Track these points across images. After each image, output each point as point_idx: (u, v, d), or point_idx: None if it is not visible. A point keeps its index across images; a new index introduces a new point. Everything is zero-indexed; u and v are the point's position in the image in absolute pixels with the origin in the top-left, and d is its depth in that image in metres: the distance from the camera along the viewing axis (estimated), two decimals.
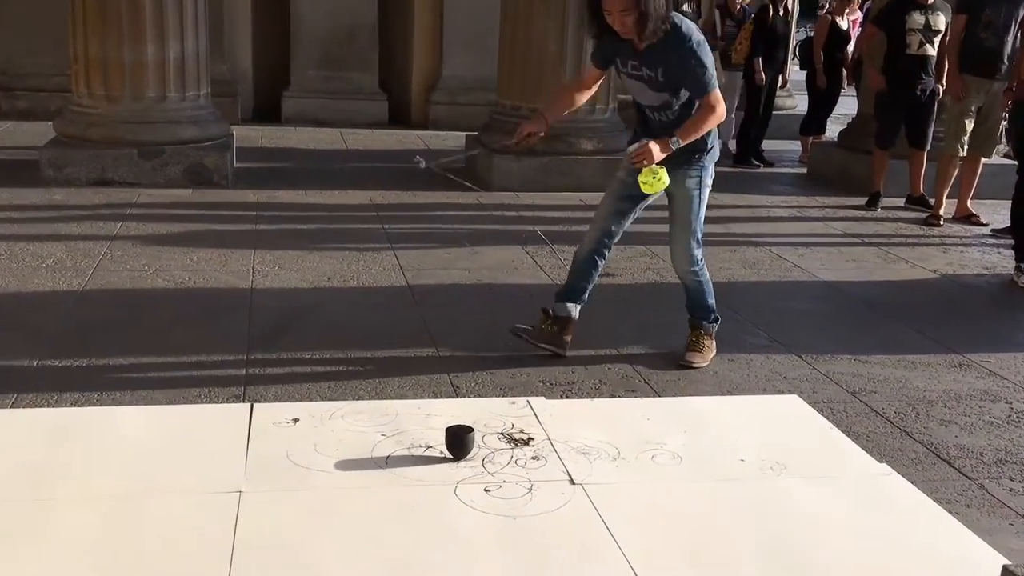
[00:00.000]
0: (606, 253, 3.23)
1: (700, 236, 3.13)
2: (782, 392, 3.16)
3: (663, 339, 3.55)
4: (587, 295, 3.29)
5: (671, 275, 3.58)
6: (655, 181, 2.85)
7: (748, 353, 3.50)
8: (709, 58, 2.88)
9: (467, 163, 5.89)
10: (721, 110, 2.86)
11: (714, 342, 3.35)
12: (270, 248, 4.77)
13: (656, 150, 2.83)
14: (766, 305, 4.09)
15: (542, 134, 3.00)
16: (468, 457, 2.45)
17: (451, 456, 2.44)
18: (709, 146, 3.01)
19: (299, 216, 5.05)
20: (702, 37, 2.88)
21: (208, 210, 5.09)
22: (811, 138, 7.80)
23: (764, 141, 7.48)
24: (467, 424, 2.50)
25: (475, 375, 3.15)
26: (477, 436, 2.51)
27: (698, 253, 3.17)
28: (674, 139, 2.87)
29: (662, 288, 4.10)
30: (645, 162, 2.84)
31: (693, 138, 2.89)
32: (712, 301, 3.30)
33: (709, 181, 3.07)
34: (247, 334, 3.42)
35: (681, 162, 2.97)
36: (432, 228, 4.99)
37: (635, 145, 2.89)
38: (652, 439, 2.64)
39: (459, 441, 2.44)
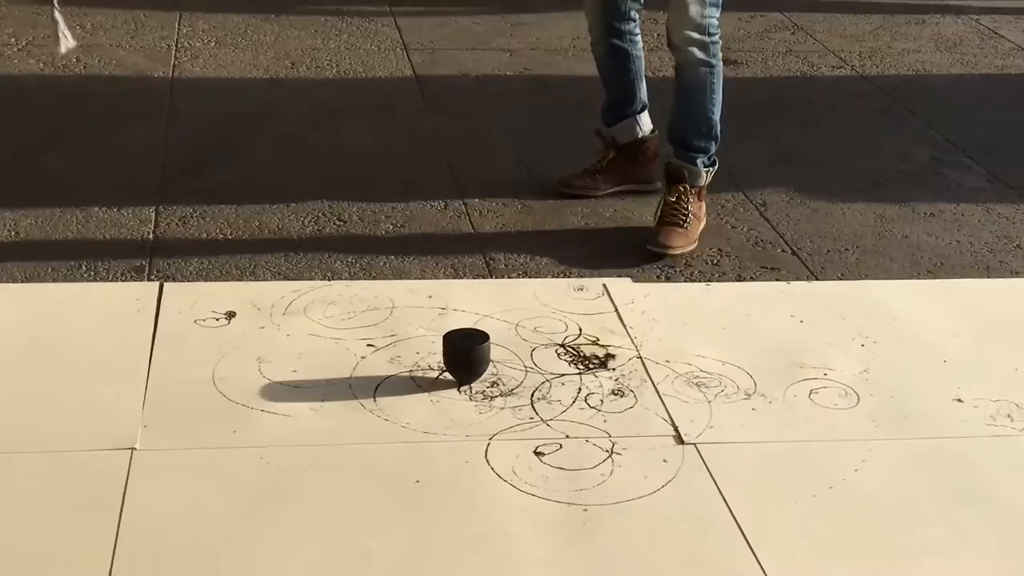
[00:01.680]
0: (627, 33, 3.02)
1: None
2: (1016, 270, 2.98)
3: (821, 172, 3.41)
4: (643, 97, 3.09)
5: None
6: None
7: (955, 202, 3.36)
8: None
9: None
10: None
11: (704, 205, 2.95)
12: (205, 10, 4.43)
13: None
14: (976, 117, 3.89)
15: None
16: (511, 388, 2.28)
17: (455, 381, 2.28)
18: None
19: None
20: None
21: None
22: None
23: None
24: (479, 329, 2.35)
25: (520, 239, 2.97)
26: (523, 350, 2.37)
27: (713, 14, 2.76)
28: None
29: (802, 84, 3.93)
30: None
31: None
32: (718, 115, 2.87)
33: None
34: (159, 162, 3.23)
35: None
36: None
37: None
38: (808, 358, 2.45)
39: (463, 357, 2.27)
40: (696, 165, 2.92)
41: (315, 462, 2.06)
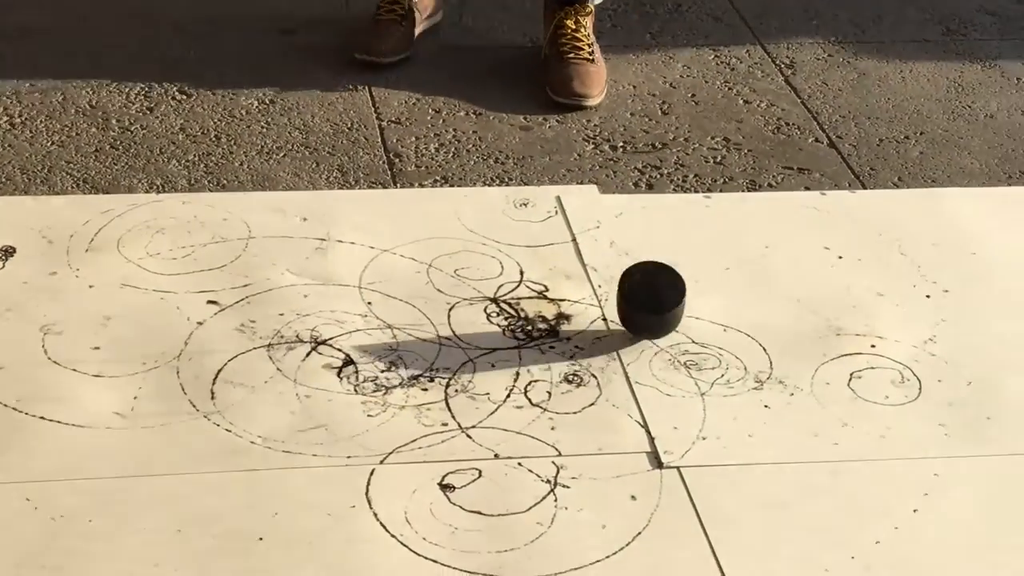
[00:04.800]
0: None
1: None
2: None
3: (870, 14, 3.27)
4: None
5: None
6: None
7: None
8: None
9: None
10: None
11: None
12: None
13: None
14: None
15: None
16: (416, 373, 2.13)
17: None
18: None
19: None
20: None
21: None
22: None
23: None
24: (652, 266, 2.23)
25: (438, 121, 2.87)
26: (437, 308, 2.27)
27: None
28: None
29: None
30: None
31: None
32: None
33: None
34: None
35: None
36: None
37: None
38: (849, 319, 2.30)
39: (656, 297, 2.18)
40: None
41: (111, 507, 1.85)
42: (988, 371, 2.19)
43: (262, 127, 2.78)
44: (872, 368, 2.19)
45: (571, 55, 2.92)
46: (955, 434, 2.06)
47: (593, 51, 2.93)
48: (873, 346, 2.23)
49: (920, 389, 2.15)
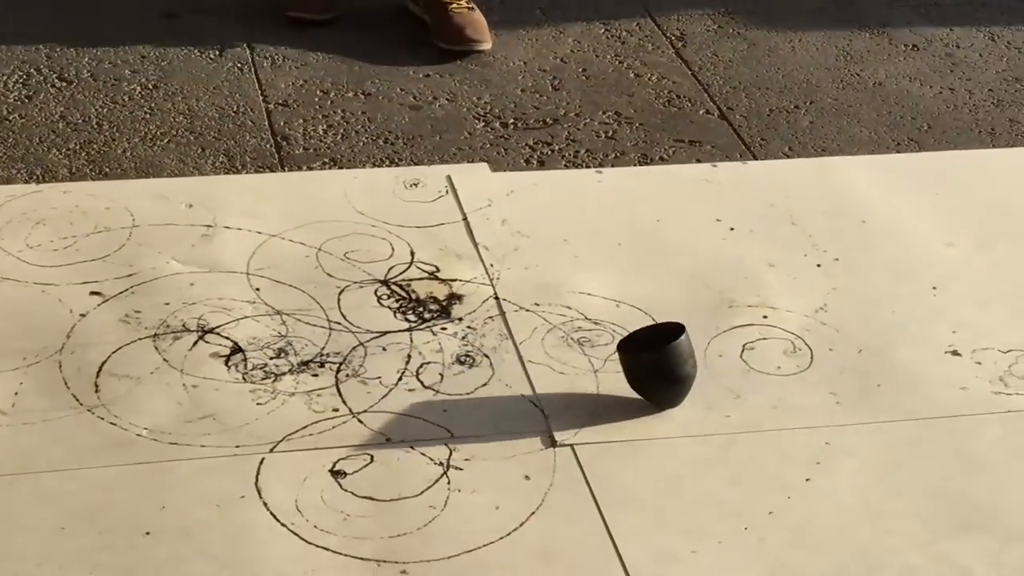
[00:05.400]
0: None
1: None
2: None
3: None
4: None
5: None
6: None
7: (946, 25, 3.25)
8: None
9: None
10: None
11: None
12: None
13: None
14: None
15: None
16: (306, 359, 2.11)
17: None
18: None
19: None
20: None
21: None
22: None
23: None
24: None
25: (327, 101, 2.84)
26: (327, 293, 2.25)
27: None
28: None
29: None
30: None
31: None
32: None
33: None
34: None
35: None
36: None
37: None
38: (741, 290, 2.32)
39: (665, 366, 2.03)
40: None
41: None
42: (878, 338, 2.21)
43: (146, 113, 2.75)
44: (764, 339, 2.19)
45: (453, 4, 2.98)
46: (846, 402, 2.07)
47: (471, 3, 3.01)
48: (765, 316, 2.24)
49: (812, 358, 2.16)
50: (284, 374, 2.07)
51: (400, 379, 2.07)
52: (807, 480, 1.92)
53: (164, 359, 2.07)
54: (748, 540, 1.81)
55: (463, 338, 2.16)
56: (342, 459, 1.92)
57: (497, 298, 2.25)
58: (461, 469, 1.91)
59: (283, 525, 1.81)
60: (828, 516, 1.87)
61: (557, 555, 1.79)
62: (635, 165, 2.68)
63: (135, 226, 2.36)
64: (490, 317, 2.21)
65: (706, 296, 2.28)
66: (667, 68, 3.00)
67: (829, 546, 1.82)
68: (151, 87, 2.82)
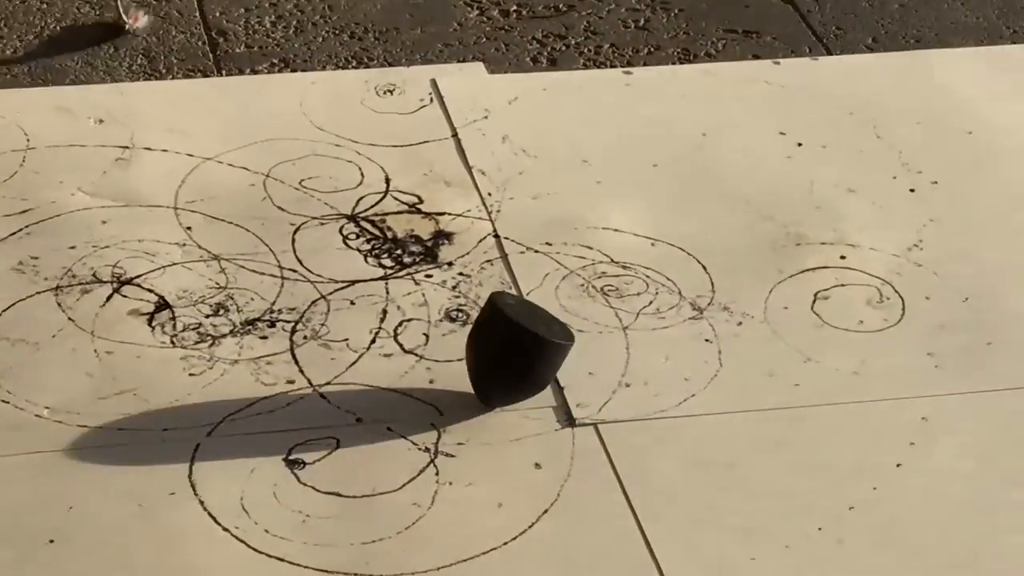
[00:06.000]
0: None
1: None
2: None
3: None
4: None
5: None
6: None
7: None
8: None
9: None
10: None
11: None
12: None
13: None
14: None
15: None
16: (253, 315, 2.17)
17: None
18: None
19: None
20: None
21: None
22: None
23: None
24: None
25: None
26: (279, 230, 2.32)
27: None
28: None
29: None
30: None
31: None
32: None
33: None
34: None
35: None
36: None
37: None
38: (813, 223, 2.37)
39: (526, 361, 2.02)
40: None
41: None
42: (988, 284, 2.24)
43: (41, 2, 2.80)
44: (842, 286, 2.24)
45: None
46: (948, 366, 2.11)
47: None
48: (843, 257, 2.28)
49: (903, 310, 2.20)
50: (224, 336, 2.11)
51: (373, 342, 2.11)
52: (898, 465, 1.95)
53: (70, 318, 2.12)
54: (823, 543, 1.84)
55: (454, 288, 2.20)
56: (299, 444, 1.95)
57: (497, 236, 2.29)
58: (453, 456, 1.95)
59: (224, 529, 1.84)
60: (925, 512, 1.90)
61: (576, 565, 1.82)
62: (674, 63, 2.71)
63: (30, 148, 2.41)
64: (488, 261, 2.25)
65: (767, 231, 2.32)
66: None
67: (927, 549, 1.85)
68: None
